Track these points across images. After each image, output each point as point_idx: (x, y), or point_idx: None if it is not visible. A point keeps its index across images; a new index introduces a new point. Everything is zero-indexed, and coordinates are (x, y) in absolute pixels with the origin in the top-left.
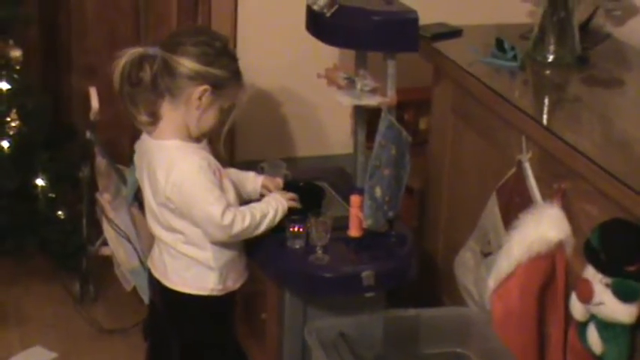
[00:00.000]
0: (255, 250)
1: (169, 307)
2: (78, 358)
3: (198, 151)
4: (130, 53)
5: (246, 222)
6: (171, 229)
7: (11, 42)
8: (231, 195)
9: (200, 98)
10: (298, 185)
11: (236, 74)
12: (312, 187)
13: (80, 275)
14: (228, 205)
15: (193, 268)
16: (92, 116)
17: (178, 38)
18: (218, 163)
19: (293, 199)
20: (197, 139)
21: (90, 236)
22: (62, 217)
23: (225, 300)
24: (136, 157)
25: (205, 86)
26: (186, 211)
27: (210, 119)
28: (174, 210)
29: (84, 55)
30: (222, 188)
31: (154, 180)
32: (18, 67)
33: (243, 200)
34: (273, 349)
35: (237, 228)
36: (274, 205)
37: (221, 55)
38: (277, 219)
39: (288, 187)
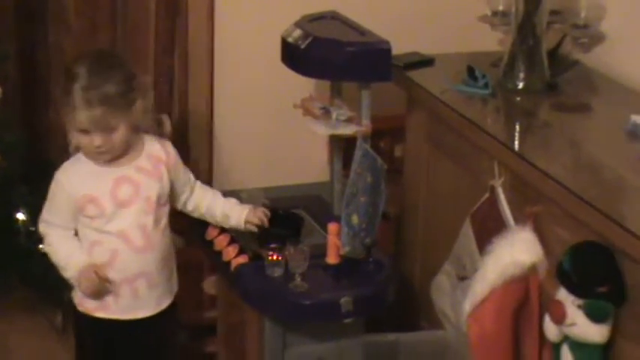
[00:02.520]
0: (235, 278)
1: None
2: None
3: (78, 168)
4: None
5: (45, 247)
6: None
7: None
8: (102, 222)
9: None
10: (277, 213)
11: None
12: (290, 215)
13: (62, 307)
14: (50, 224)
15: None
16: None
17: None
18: (101, 194)
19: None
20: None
21: None
22: (43, 250)
23: (99, 322)
24: None
25: None
26: None
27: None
28: None
29: None
30: (86, 215)
31: None
32: None
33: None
34: None
35: (43, 242)
36: (68, 268)
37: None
38: (66, 275)
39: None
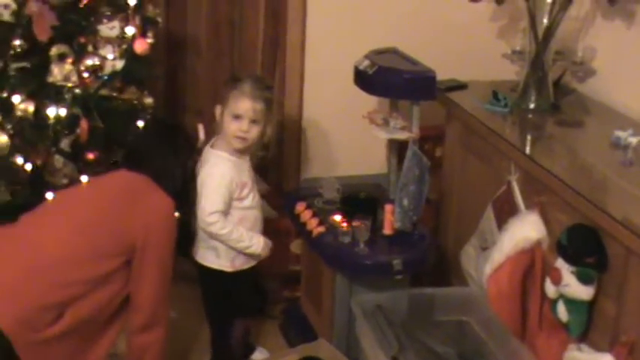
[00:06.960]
0: (315, 242)
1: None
2: (193, 317)
3: (230, 164)
4: None
5: (223, 231)
6: None
7: (146, 92)
8: (247, 200)
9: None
10: (359, 197)
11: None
12: (369, 199)
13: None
14: (222, 212)
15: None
16: (199, 144)
17: None
18: (247, 179)
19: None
20: (241, 154)
21: (195, 228)
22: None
23: (234, 275)
24: None
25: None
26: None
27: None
28: None
29: (195, 102)
30: (239, 197)
31: None
32: (150, 110)
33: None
34: (327, 317)
35: (214, 229)
36: (253, 243)
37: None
38: (248, 250)
39: (348, 198)
